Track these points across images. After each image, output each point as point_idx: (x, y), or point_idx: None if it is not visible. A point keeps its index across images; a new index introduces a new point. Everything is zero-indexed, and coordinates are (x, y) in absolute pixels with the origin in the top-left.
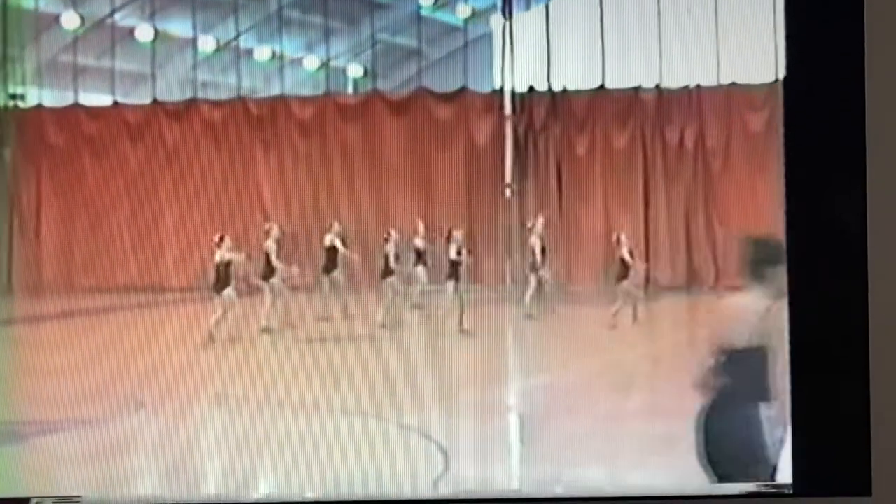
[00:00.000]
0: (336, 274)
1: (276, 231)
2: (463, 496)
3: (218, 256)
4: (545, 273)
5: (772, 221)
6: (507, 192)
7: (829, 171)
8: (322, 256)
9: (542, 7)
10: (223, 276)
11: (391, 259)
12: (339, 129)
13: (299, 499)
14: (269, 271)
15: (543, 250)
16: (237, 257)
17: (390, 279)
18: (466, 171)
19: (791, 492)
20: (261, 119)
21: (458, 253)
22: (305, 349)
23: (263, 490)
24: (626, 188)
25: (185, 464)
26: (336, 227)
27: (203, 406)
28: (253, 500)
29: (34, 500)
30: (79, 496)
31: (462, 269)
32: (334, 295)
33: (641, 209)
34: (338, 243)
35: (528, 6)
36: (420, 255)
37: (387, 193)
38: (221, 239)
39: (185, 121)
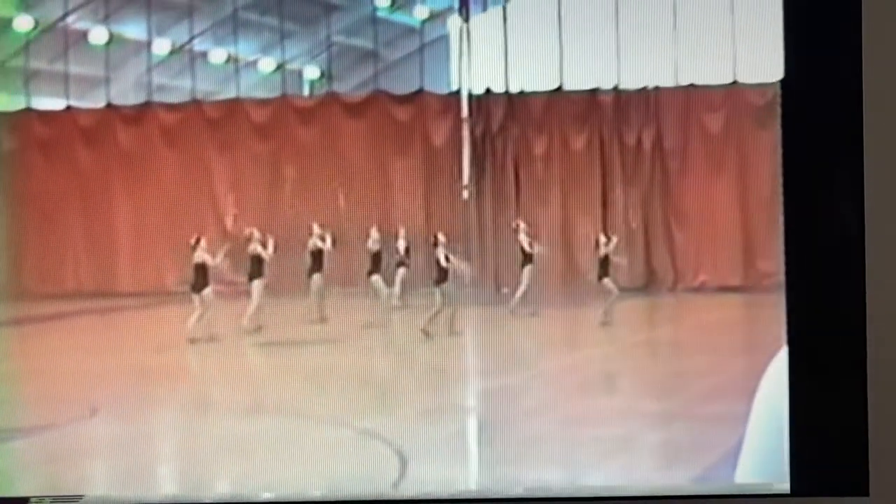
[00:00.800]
0: (316, 277)
1: (257, 234)
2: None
3: (196, 258)
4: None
5: (729, 222)
6: (465, 193)
7: (828, 171)
8: (307, 260)
9: (499, 8)
10: (201, 276)
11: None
12: (295, 131)
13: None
14: (257, 272)
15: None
16: (213, 259)
17: (374, 277)
18: (424, 173)
19: (788, 492)
20: (216, 122)
21: (447, 259)
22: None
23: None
24: (584, 189)
25: (139, 468)
26: (316, 229)
27: (159, 410)
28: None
29: (33, 500)
30: (81, 494)
31: (451, 274)
32: (320, 297)
33: (599, 210)
34: (321, 244)
35: (485, 8)
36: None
37: (344, 195)
38: (198, 241)
39: (139, 124)
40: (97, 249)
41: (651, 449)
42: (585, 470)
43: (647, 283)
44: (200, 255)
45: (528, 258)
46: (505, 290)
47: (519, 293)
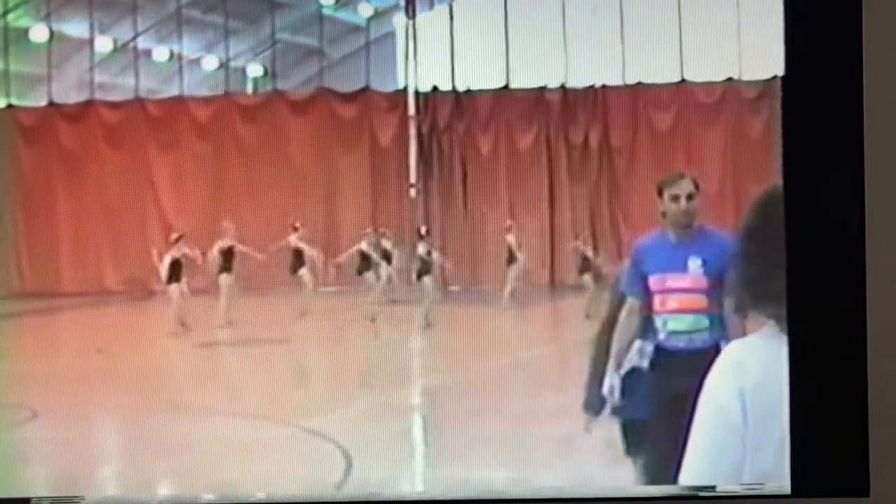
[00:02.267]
0: (304, 272)
1: (233, 229)
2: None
3: (177, 252)
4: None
5: None
6: (412, 191)
7: (828, 170)
8: (290, 258)
9: (445, 6)
10: (175, 271)
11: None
12: (238, 129)
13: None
14: (226, 268)
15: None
16: (192, 253)
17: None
18: (371, 171)
19: (789, 493)
20: (159, 120)
21: (429, 253)
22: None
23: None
24: (530, 187)
25: (80, 470)
26: (301, 230)
27: (100, 412)
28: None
29: (34, 500)
30: (82, 496)
31: (435, 268)
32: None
33: (546, 208)
34: (303, 245)
35: (431, 5)
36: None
37: (289, 194)
38: (178, 238)
39: (81, 123)
40: (39, 249)
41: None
42: (588, 469)
43: (595, 281)
44: (180, 251)
45: (512, 259)
46: (454, 287)
47: (507, 292)
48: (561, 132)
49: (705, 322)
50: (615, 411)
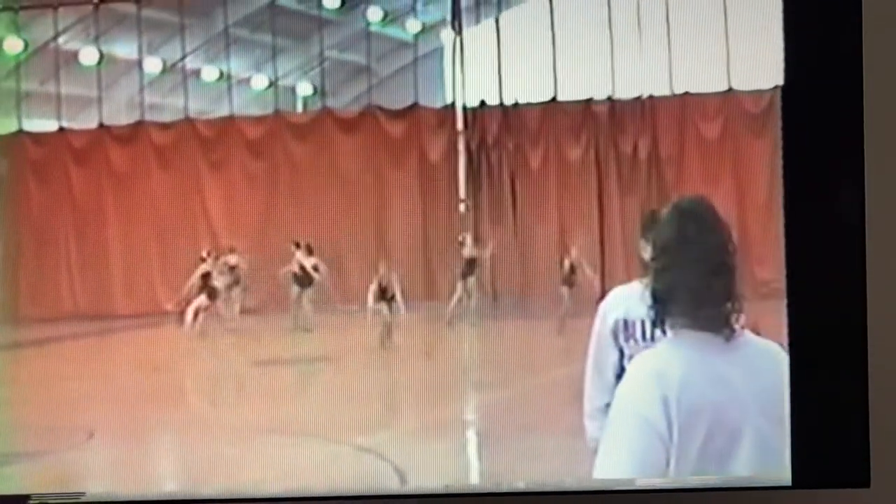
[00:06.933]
0: (303, 294)
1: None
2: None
3: (209, 267)
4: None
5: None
6: (462, 207)
7: (828, 170)
8: (301, 276)
9: (492, 21)
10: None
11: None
12: (289, 148)
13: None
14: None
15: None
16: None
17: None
18: (420, 188)
19: (789, 484)
20: (210, 140)
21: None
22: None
23: None
24: (580, 200)
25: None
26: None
27: (155, 430)
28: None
29: (34, 498)
30: (82, 491)
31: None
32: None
33: (596, 221)
34: (307, 262)
35: (478, 20)
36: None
37: (340, 212)
38: (208, 254)
39: (132, 144)
40: (91, 271)
41: None
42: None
43: None
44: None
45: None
46: (505, 301)
47: (563, 305)
48: (610, 144)
49: None
50: None
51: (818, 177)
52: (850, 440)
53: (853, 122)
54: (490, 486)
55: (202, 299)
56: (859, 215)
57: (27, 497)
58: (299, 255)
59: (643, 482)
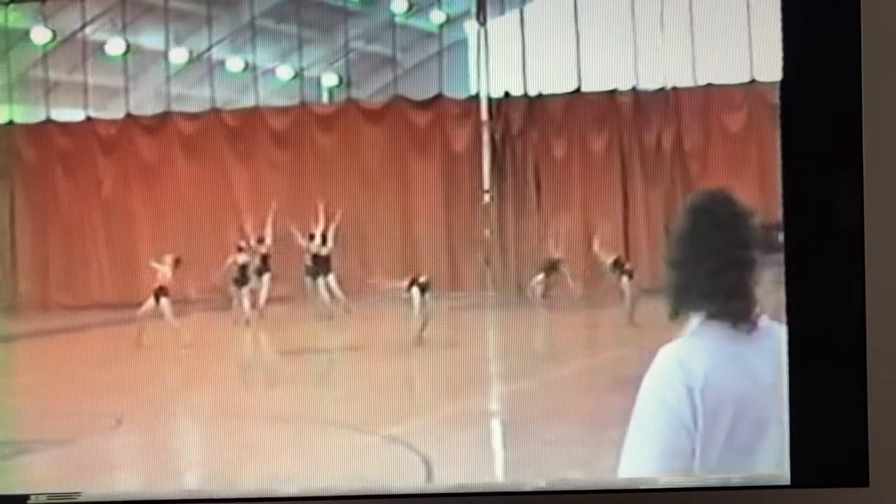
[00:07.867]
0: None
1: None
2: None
3: (246, 257)
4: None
5: None
6: (486, 197)
7: (827, 168)
8: (321, 263)
9: (516, 12)
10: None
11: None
12: (315, 138)
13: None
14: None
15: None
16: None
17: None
18: (444, 178)
19: (788, 483)
20: (236, 130)
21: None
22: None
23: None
24: (604, 191)
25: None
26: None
27: (181, 418)
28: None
29: (32, 497)
30: (77, 492)
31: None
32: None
33: (620, 212)
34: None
35: (502, 11)
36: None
37: (365, 202)
38: (250, 243)
39: (159, 134)
40: (119, 260)
41: None
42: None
43: None
44: (245, 257)
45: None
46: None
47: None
48: (634, 135)
49: None
50: None
51: (818, 177)
52: (849, 439)
53: (852, 119)
54: (511, 486)
55: (233, 288)
56: (858, 214)
57: (27, 497)
58: (312, 247)
59: (647, 481)
